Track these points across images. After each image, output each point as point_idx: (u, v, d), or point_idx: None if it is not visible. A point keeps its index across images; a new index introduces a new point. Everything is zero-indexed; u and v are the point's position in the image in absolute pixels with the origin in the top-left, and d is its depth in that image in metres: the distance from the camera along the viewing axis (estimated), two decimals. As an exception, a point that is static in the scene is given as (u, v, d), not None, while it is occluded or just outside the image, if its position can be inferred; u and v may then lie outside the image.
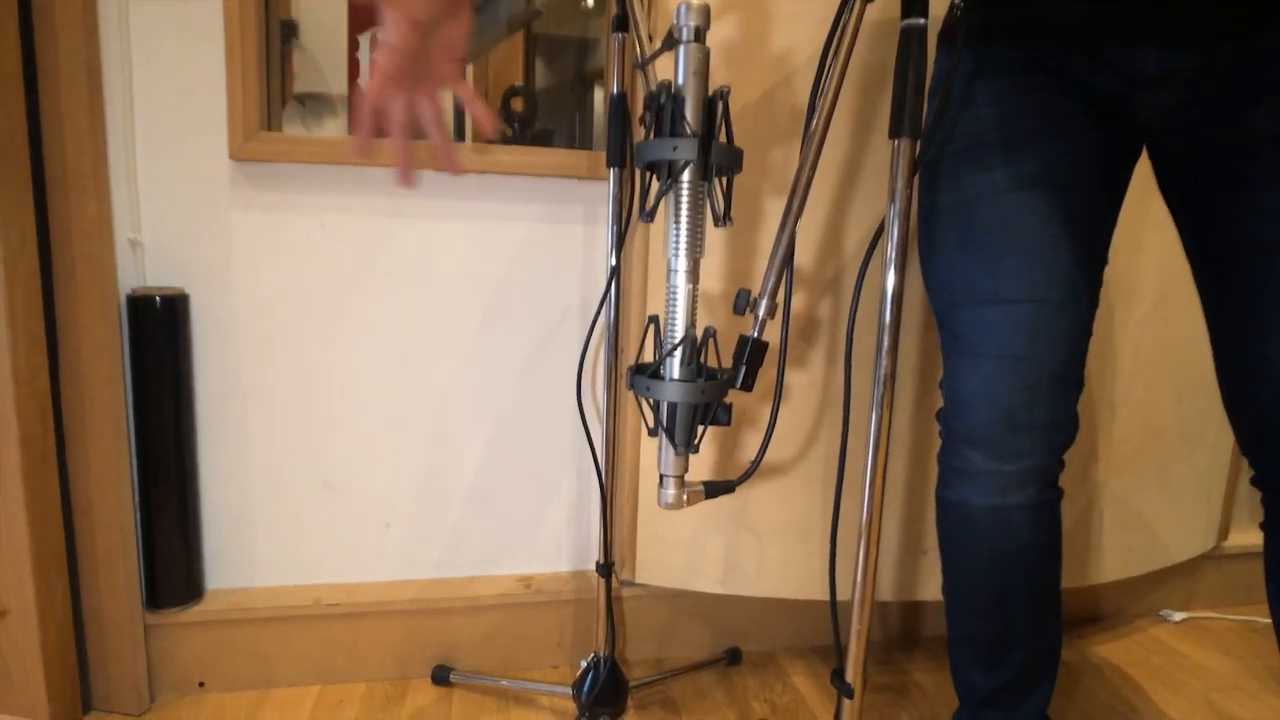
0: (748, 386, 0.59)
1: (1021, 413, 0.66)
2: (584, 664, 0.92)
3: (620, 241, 0.84)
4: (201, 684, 0.96)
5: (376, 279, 0.96)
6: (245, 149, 0.89)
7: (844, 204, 0.93)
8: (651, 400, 0.55)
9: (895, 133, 0.56)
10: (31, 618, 0.84)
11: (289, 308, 0.94)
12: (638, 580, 1.01)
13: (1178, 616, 1.25)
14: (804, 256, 0.94)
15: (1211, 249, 0.62)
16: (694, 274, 0.53)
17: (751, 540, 1.00)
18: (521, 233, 0.98)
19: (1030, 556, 0.71)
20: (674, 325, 0.53)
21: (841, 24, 0.58)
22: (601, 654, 0.91)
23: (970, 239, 0.66)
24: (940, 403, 0.72)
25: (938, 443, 0.72)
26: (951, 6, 0.54)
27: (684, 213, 0.52)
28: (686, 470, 0.57)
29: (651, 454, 0.97)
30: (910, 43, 0.55)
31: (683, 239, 0.52)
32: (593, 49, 1.03)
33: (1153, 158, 0.66)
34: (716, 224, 0.53)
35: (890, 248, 0.56)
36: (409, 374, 0.99)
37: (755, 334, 0.59)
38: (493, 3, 1.04)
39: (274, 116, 0.95)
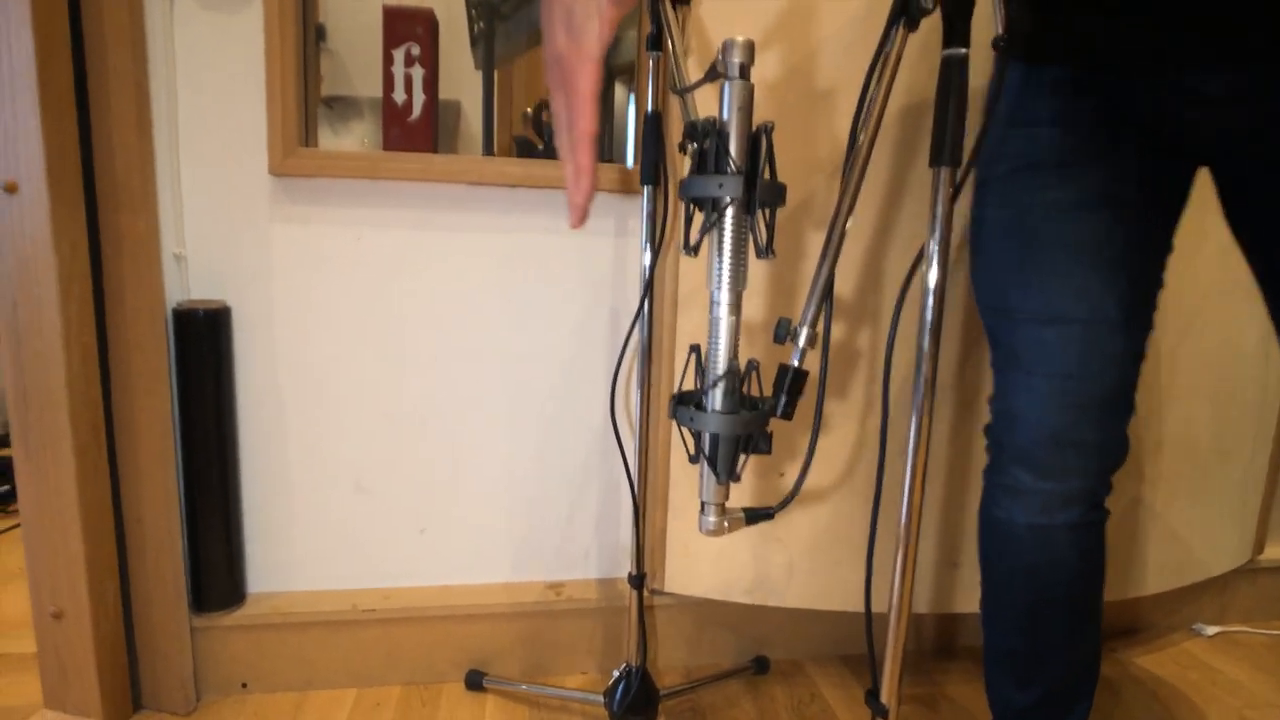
0: (788, 415, 0.59)
1: (1070, 432, 0.66)
2: (616, 673, 0.94)
3: (655, 258, 0.84)
4: (244, 685, 0.99)
5: (410, 289, 0.97)
6: (284, 164, 0.90)
7: (885, 234, 0.93)
8: (693, 429, 0.55)
9: (935, 161, 0.56)
10: (86, 620, 0.88)
11: (326, 318, 0.96)
12: (667, 590, 1.02)
13: (1211, 630, 1.24)
14: (844, 286, 0.94)
15: None
16: (736, 306, 0.54)
17: (780, 552, 1.01)
18: (553, 245, 0.99)
19: (1072, 576, 0.71)
20: (716, 357, 0.54)
21: (884, 53, 0.57)
22: (633, 664, 0.92)
23: (1030, 257, 0.66)
24: (985, 417, 0.72)
25: (974, 458, 0.72)
26: (994, 40, 0.53)
27: (727, 247, 0.52)
28: (728, 498, 0.58)
29: (681, 466, 0.98)
30: (951, 72, 0.54)
31: (725, 273, 0.53)
32: (615, 57, 1.02)
33: (1217, 177, 0.65)
34: (759, 256, 0.53)
35: (930, 277, 0.56)
36: (442, 382, 1.00)
37: (796, 363, 0.60)
38: (521, 10, 1.05)
39: (310, 131, 0.96)
